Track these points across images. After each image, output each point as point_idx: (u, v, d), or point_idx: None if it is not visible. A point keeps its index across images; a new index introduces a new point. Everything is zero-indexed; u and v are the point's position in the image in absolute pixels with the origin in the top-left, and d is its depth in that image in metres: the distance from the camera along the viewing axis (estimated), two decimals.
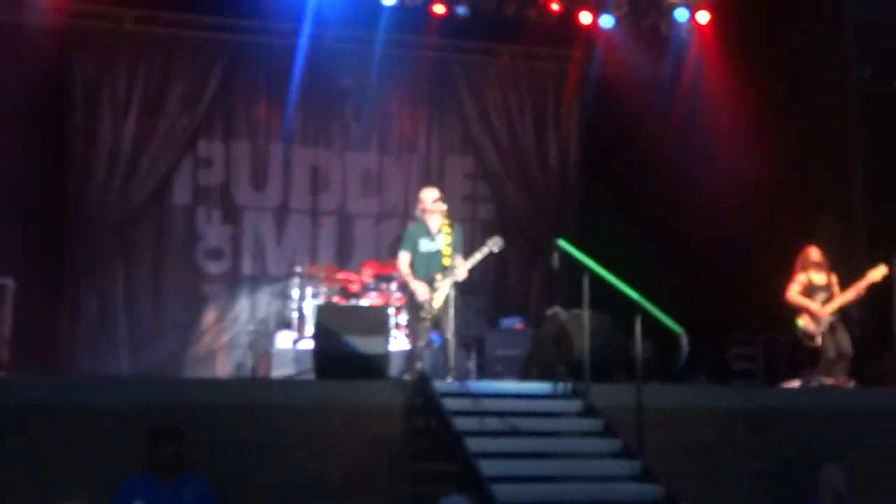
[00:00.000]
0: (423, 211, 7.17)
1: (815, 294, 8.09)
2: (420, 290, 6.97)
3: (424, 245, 7.09)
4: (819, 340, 7.98)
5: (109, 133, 10.91)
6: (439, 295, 6.93)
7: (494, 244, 7.17)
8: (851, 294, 8.03)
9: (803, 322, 8.05)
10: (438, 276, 6.96)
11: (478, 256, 7.10)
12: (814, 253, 8.21)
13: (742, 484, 6.34)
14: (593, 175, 12.06)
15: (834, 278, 8.17)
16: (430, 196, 7.16)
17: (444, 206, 7.08)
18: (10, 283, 7.72)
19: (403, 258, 7.14)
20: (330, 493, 5.59)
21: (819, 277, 8.15)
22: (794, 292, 8.14)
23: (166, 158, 11.12)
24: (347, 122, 11.86)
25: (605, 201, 11.39)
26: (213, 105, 11.38)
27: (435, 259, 7.02)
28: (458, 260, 7.03)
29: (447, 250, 6.98)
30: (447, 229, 7.02)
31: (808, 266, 8.17)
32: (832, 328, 8.02)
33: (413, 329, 7.21)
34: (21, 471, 5.40)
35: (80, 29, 10.89)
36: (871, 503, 6.20)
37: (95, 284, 10.72)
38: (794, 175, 9.88)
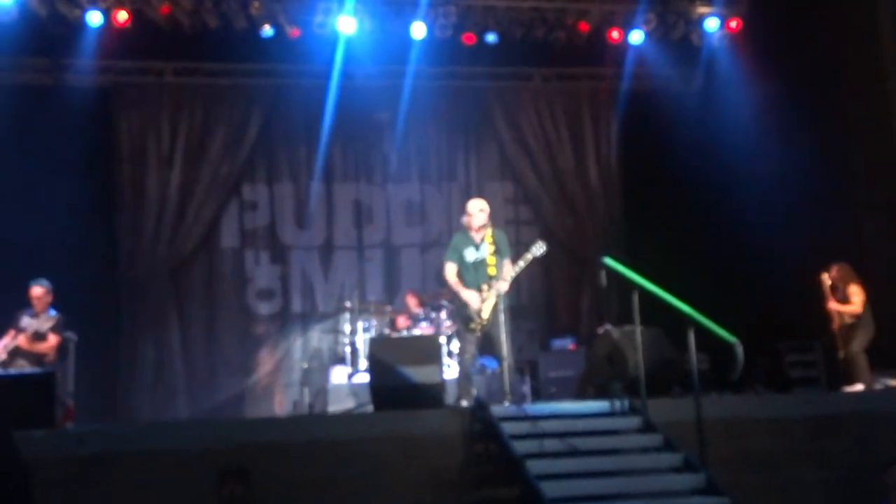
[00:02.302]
0: (469, 224, 7.24)
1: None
2: (472, 299, 7.02)
3: (470, 255, 7.17)
4: (841, 354, 8.27)
5: (156, 184, 11.18)
6: (487, 305, 6.99)
7: (538, 248, 7.22)
8: (841, 308, 8.20)
9: None
10: (485, 287, 7.02)
11: (522, 264, 7.15)
12: (825, 279, 8.39)
13: (809, 492, 6.24)
14: (635, 190, 12.03)
15: (852, 288, 8.20)
16: (475, 207, 7.23)
17: (484, 219, 7.14)
18: (72, 336, 7.91)
19: (450, 269, 7.22)
20: None
21: (836, 295, 8.34)
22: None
23: (212, 204, 11.35)
24: (386, 154, 12.01)
25: (648, 215, 11.37)
26: (255, 149, 11.60)
27: (481, 268, 7.10)
28: (506, 266, 7.08)
29: (492, 259, 7.04)
30: (490, 238, 7.08)
31: (826, 293, 8.39)
32: (847, 335, 8.13)
33: (462, 342, 7.25)
34: None
35: (122, 85, 11.24)
36: None
37: (151, 333, 10.94)
38: (841, 175, 9.77)
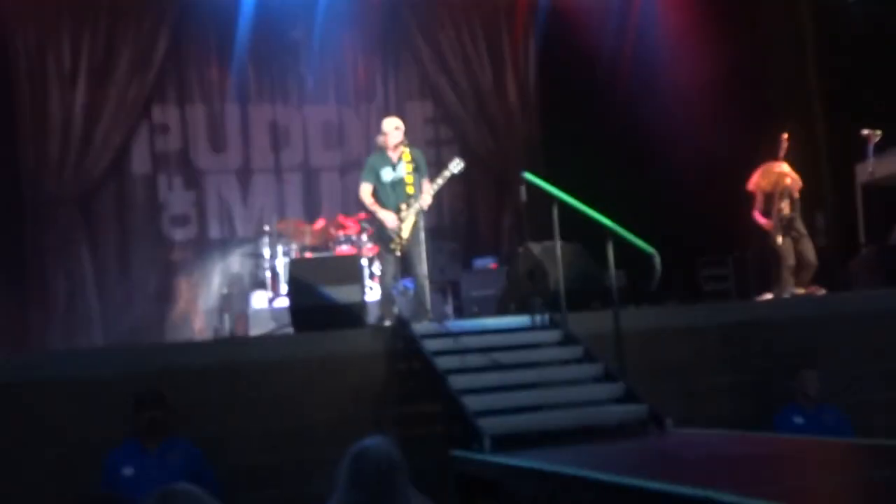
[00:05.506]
0: (384, 144, 7.12)
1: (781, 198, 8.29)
2: (388, 218, 6.97)
3: (387, 175, 7.09)
4: (779, 240, 8.20)
5: (59, 106, 10.66)
6: (406, 224, 6.95)
7: (455, 166, 7.24)
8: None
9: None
10: (403, 206, 6.97)
11: (440, 181, 7.14)
12: (776, 165, 8.35)
13: (722, 396, 6.45)
14: (553, 107, 11.98)
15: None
16: (390, 125, 7.11)
17: (400, 138, 7.04)
18: None
19: (365, 189, 7.14)
20: (318, 442, 5.60)
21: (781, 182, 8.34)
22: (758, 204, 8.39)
23: (121, 128, 10.90)
24: (302, 75, 11.69)
25: (567, 133, 11.34)
26: (164, 69, 11.15)
27: (399, 188, 7.03)
28: (425, 185, 7.03)
29: (410, 178, 6.98)
30: (408, 157, 6.99)
31: (770, 175, 8.35)
32: (797, 239, 8.16)
33: (384, 264, 7.20)
34: (4, 448, 5.34)
35: None
36: (849, 402, 6.34)
37: (61, 263, 10.55)
38: (754, 89, 9.91)
